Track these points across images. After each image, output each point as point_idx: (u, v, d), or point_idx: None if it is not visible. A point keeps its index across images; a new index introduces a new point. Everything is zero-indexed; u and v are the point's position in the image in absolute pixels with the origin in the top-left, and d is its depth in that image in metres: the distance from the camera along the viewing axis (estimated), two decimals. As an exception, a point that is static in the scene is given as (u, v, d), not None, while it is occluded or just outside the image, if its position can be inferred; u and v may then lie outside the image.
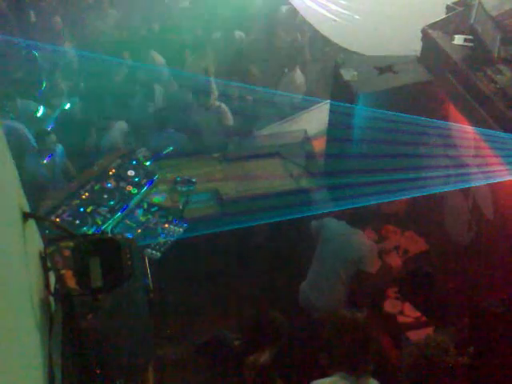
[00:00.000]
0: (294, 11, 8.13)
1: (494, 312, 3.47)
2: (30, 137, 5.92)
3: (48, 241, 2.41)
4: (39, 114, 6.39)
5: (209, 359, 3.65)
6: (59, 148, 5.84)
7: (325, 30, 7.08)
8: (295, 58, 7.75)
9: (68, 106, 6.67)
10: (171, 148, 5.98)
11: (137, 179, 5.12)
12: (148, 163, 5.44)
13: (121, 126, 6.39)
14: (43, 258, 2.36)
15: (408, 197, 4.91)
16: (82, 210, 4.81)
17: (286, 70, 7.40)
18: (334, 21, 6.69)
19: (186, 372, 4.37)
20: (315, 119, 6.60)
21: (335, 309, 4.42)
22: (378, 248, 4.80)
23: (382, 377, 3.07)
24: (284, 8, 8.54)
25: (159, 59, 7.51)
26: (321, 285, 4.66)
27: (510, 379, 3.44)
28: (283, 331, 3.46)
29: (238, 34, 8.02)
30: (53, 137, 5.76)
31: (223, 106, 6.60)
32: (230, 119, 6.61)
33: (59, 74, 7.00)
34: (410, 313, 4.65)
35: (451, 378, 3.18)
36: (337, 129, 5.35)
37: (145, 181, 5.15)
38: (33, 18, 7.89)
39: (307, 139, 6.22)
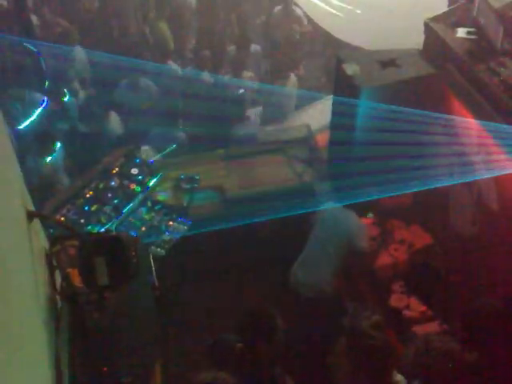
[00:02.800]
0: (286, 10, 8.03)
1: (489, 312, 3.38)
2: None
3: (53, 240, 2.42)
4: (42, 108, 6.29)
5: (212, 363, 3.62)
6: (59, 146, 5.83)
7: (326, 24, 7.06)
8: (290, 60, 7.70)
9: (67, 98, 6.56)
10: (174, 146, 5.97)
11: (140, 177, 5.12)
12: (151, 161, 5.44)
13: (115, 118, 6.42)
14: (48, 256, 2.37)
15: (413, 190, 4.90)
16: (86, 208, 4.82)
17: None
18: (336, 15, 6.68)
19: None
20: (318, 114, 6.59)
21: (321, 288, 4.60)
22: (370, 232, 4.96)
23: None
24: (276, 9, 8.33)
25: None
26: (309, 263, 4.78)
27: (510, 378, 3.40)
28: (280, 326, 3.42)
29: (254, 47, 7.72)
30: (53, 136, 5.74)
31: None
32: None
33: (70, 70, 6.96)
34: (415, 307, 4.65)
35: (455, 376, 3.18)
36: (340, 124, 5.33)
37: (148, 179, 5.15)
38: (35, 22, 7.80)
39: (310, 134, 6.21)
